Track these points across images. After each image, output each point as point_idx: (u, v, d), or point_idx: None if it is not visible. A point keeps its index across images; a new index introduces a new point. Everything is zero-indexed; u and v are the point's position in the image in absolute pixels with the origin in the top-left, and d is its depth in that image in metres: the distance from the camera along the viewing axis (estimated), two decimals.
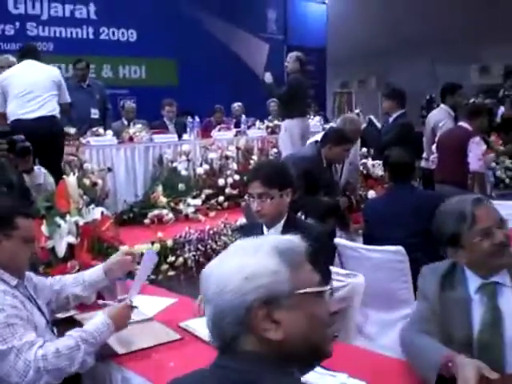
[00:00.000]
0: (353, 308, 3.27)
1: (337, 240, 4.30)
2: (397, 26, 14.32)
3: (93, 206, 3.58)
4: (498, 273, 2.30)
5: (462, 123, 6.04)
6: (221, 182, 6.68)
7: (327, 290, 1.35)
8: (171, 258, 4.82)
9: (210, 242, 5.22)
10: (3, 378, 2.17)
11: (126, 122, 8.63)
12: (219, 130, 8.13)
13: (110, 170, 6.25)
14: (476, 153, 5.75)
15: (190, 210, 6.03)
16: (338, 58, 14.19)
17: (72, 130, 6.40)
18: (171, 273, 4.79)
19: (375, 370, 2.28)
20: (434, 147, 6.51)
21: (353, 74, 17.59)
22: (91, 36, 10.44)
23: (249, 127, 8.51)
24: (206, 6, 11.62)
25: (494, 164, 7.04)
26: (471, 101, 9.41)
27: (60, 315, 2.83)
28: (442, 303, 2.33)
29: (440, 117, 6.88)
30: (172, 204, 6.01)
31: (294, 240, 1.37)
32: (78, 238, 3.30)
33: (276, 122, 8.70)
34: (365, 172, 6.75)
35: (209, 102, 10.19)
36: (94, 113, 8.10)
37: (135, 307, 2.57)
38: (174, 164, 6.66)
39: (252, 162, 7.00)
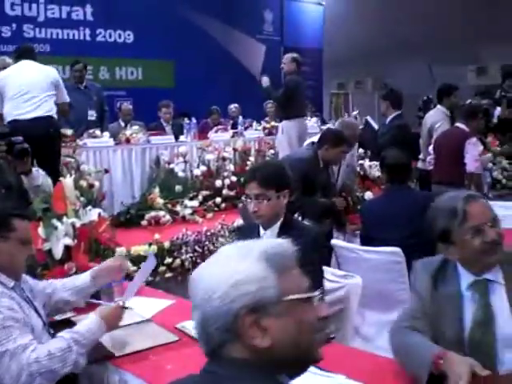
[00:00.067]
0: (350, 309, 3.27)
1: (334, 241, 4.31)
2: (393, 27, 14.33)
3: (90, 207, 3.57)
4: (490, 270, 2.29)
5: (458, 124, 6.05)
6: (218, 183, 6.67)
7: (316, 296, 1.34)
8: (168, 260, 4.81)
9: (207, 243, 5.21)
10: None
11: (122, 124, 8.62)
12: (216, 132, 8.13)
13: (106, 171, 6.24)
14: (473, 154, 5.76)
15: (187, 211, 6.01)
16: (334, 59, 14.20)
17: (69, 132, 6.40)
18: (168, 274, 4.78)
19: (373, 371, 2.28)
20: (430, 148, 6.53)
21: (350, 75, 17.60)
22: (88, 38, 10.42)
23: (246, 128, 8.51)
24: (203, 8, 11.61)
25: (490, 165, 7.05)
26: (468, 101, 9.41)
27: (57, 317, 2.83)
28: (433, 301, 2.33)
29: (436, 118, 6.90)
30: (169, 205, 6.00)
31: (284, 244, 1.35)
32: (74, 240, 3.31)
33: (273, 123, 8.70)
34: (362, 173, 6.75)
35: (205, 103, 10.18)
36: (91, 114, 8.09)
37: (127, 308, 2.57)
38: (171, 165, 6.65)
39: (249, 163, 6.99)
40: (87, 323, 2.39)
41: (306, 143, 5.97)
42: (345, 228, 5.30)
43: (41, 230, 3.28)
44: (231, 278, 1.24)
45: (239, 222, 5.28)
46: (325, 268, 3.20)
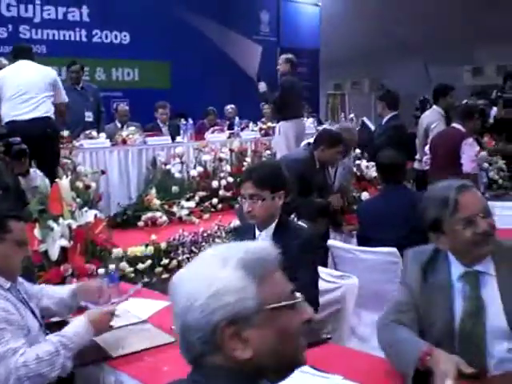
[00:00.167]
0: (346, 310, 3.27)
1: (330, 241, 4.31)
2: (390, 27, 14.34)
3: (86, 208, 3.57)
4: (481, 261, 2.27)
5: (455, 124, 6.05)
6: (214, 184, 6.67)
7: (298, 301, 1.31)
8: (165, 261, 4.81)
9: (203, 244, 5.21)
10: None
11: (119, 125, 8.61)
12: (212, 132, 8.13)
13: (103, 172, 6.24)
14: (469, 154, 5.76)
15: (184, 212, 6.02)
16: (331, 59, 14.20)
17: (65, 133, 6.39)
18: (165, 275, 4.77)
19: (369, 372, 2.28)
20: (426, 148, 6.53)
21: (346, 76, 17.61)
22: (84, 39, 10.41)
23: (242, 129, 8.50)
24: (199, 9, 11.60)
25: (486, 165, 7.06)
26: (464, 102, 9.43)
27: (53, 319, 2.83)
28: (422, 292, 2.32)
29: (432, 118, 6.91)
30: (165, 206, 6.00)
31: (264, 248, 1.31)
32: (71, 241, 3.30)
33: (269, 123, 8.69)
34: (358, 173, 6.76)
35: (202, 104, 10.18)
36: (88, 116, 8.09)
37: (117, 316, 2.57)
38: (168, 166, 6.64)
39: (245, 164, 6.99)
40: (75, 326, 2.40)
41: (302, 144, 5.98)
42: (341, 228, 5.30)
43: (37, 232, 3.29)
44: (211, 288, 1.21)
45: (236, 222, 5.28)
46: (321, 268, 3.21)
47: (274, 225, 2.98)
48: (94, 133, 6.96)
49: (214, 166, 6.97)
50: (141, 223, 5.77)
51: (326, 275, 3.30)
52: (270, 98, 7.94)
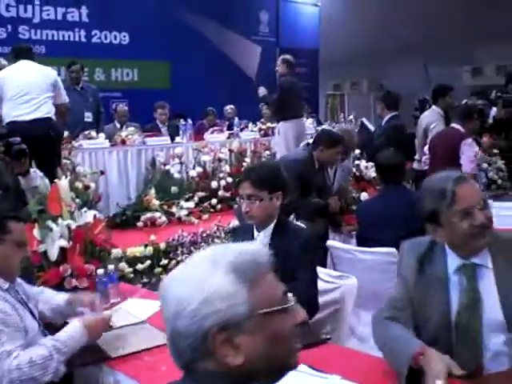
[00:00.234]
0: (345, 310, 3.27)
1: (329, 242, 4.31)
2: (389, 27, 14.33)
3: (85, 209, 3.56)
4: (478, 254, 2.26)
5: (454, 125, 6.06)
6: (214, 184, 6.67)
7: (291, 304, 1.28)
8: (164, 261, 4.81)
9: (203, 244, 5.21)
10: None
11: (118, 125, 8.61)
12: (212, 133, 8.13)
13: (102, 173, 6.24)
14: (468, 155, 5.77)
15: (183, 212, 6.02)
16: (330, 60, 14.20)
17: (65, 133, 6.39)
18: (164, 276, 4.77)
19: (368, 372, 2.28)
20: (426, 149, 6.54)
21: (345, 76, 17.60)
22: (83, 39, 10.41)
23: (241, 129, 8.51)
24: (199, 9, 11.60)
25: (485, 165, 7.06)
26: (464, 102, 9.43)
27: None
28: (418, 285, 2.32)
29: (432, 118, 6.92)
30: (165, 207, 6.00)
31: (255, 250, 1.30)
32: (70, 242, 3.29)
33: (269, 124, 8.70)
34: (358, 174, 6.75)
35: (201, 104, 10.17)
36: (88, 116, 8.09)
37: (112, 326, 2.57)
38: (167, 167, 6.65)
39: (245, 164, 6.99)
40: (70, 331, 2.40)
41: (302, 144, 5.98)
42: (340, 229, 5.30)
43: (36, 232, 3.28)
44: (201, 294, 1.19)
45: (235, 223, 5.28)
46: (320, 269, 3.21)
47: (272, 225, 2.99)
48: (93, 133, 6.96)
49: (214, 167, 6.97)
50: (140, 223, 5.77)
51: (325, 275, 3.30)
52: (269, 100, 7.96)
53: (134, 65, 11.08)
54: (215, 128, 8.65)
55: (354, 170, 6.63)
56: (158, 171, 6.61)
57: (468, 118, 6.00)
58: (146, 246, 4.79)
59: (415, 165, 7.05)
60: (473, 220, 2.18)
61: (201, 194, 6.49)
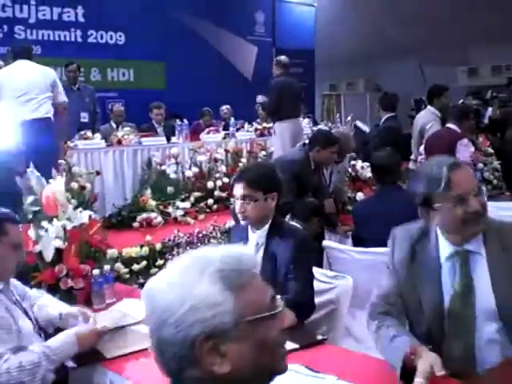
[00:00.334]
0: (341, 310, 3.27)
1: (325, 242, 4.31)
2: (385, 28, 14.37)
3: (80, 209, 3.55)
4: (471, 240, 2.25)
5: (450, 125, 6.07)
6: (210, 184, 6.66)
7: (278, 311, 1.26)
8: (160, 262, 4.80)
9: (199, 244, 5.21)
10: None
11: (114, 125, 8.61)
12: (208, 133, 8.12)
13: (98, 173, 6.22)
14: (464, 155, 5.77)
15: (179, 213, 6.01)
16: (326, 60, 14.20)
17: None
18: None
19: (364, 372, 2.28)
20: (421, 149, 6.55)
21: (341, 77, 17.63)
22: (79, 39, 10.38)
23: (237, 130, 8.50)
24: (195, 9, 11.60)
25: (481, 165, 7.07)
26: (460, 102, 9.45)
27: None
28: (410, 272, 2.32)
29: (427, 119, 6.93)
30: (161, 207, 5.99)
31: (242, 254, 1.27)
32: (65, 242, 3.28)
33: (265, 124, 8.70)
34: (353, 174, 6.76)
35: (197, 104, 10.17)
36: (84, 116, 8.10)
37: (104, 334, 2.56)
38: (163, 167, 6.64)
39: (241, 164, 6.99)
40: (61, 339, 2.40)
41: (298, 145, 5.98)
42: (336, 229, 5.30)
43: (31, 232, 3.27)
44: (186, 303, 1.17)
45: (231, 223, 5.27)
46: (316, 269, 3.21)
47: (267, 226, 2.98)
48: (89, 133, 6.95)
49: (210, 167, 6.96)
50: (136, 224, 5.75)
51: (321, 275, 3.30)
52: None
53: (129, 65, 11.06)
54: (211, 128, 8.64)
55: (350, 170, 6.65)
56: (153, 171, 6.60)
57: (464, 118, 6.01)
58: (141, 246, 4.79)
59: (411, 165, 7.06)
60: (467, 207, 2.17)
61: (197, 194, 6.48)
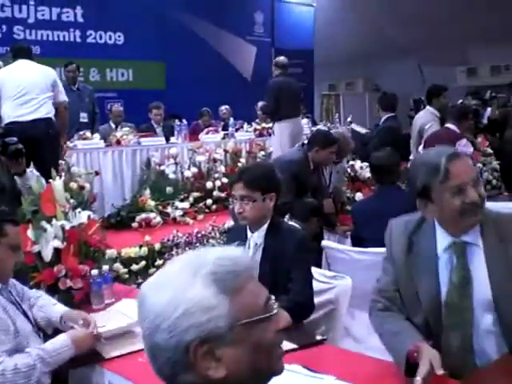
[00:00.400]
0: (339, 310, 3.26)
1: (324, 242, 4.31)
2: (384, 28, 14.37)
3: (79, 209, 3.55)
4: (468, 232, 2.24)
5: (449, 125, 6.06)
6: (209, 184, 6.66)
7: (273, 314, 1.24)
8: (159, 262, 4.79)
9: (198, 245, 5.21)
10: None
11: (113, 125, 8.62)
12: (207, 133, 8.13)
13: (97, 173, 6.22)
14: None
15: (178, 213, 6.00)
16: (325, 60, 14.22)
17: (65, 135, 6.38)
18: None
19: (363, 372, 2.27)
20: (420, 149, 6.54)
21: (340, 77, 17.63)
22: (78, 39, 10.40)
23: (237, 130, 8.51)
24: (194, 9, 11.61)
25: (480, 165, 7.06)
26: (459, 102, 9.45)
27: None
28: (408, 264, 2.32)
29: (426, 119, 6.92)
30: (160, 207, 5.98)
31: (236, 257, 1.24)
32: (64, 243, 3.28)
33: (264, 124, 8.70)
34: (352, 174, 6.76)
35: (196, 104, 10.18)
36: (83, 117, 8.10)
37: (100, 339, 2.56)
38: (162, 167, 6.64)
39: (240, 164, 6.99)
40: (57, 342, 2.39)
41: (297, 145, 5.98)
42: (335, 229, 5.30)
43: (30, 233, 3.26)
44: (179, 307, 1.15)
45: (230, 223, 5.27)
46: (315, 269, 3.21)
47: (266, 226, 2.98)
48: (88, 133, 6.96)
49: (209, 167, 6.96)
50: (135, 224, 5.75)
51: (320, 276, 3.30)
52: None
53: (128, 65, 11.08)
54: (210, 128, 8.66)
55: (349, 170, 6.64)
56: (152, 171, 6.61)
57: (463, 119, 6.01)
58: (140, 246, 4.78)
59: (410, 164, 7.05)
60: (465, 197, 2.16)
61: (196, 194, 6.48)
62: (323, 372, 2.20)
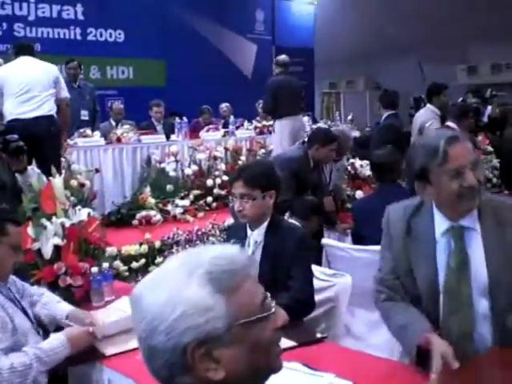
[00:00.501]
0: (339, 308, 3.27)
1: (324, 240, 4.31)
2: (385, 26, 14.36)
3: (79, 207, 3.55)
4: (466, 216, 2.24)
5: (449, 123, 6.06)
6: (209, 182, 6.66)
7: (270, 313, 1.22)
8: (159, 260, 4.80)
9: (198, 242, 5.21)
10: None
11: (113, 123, 8.61)
12: (207, 131, 8.13)
13: (97, 171, 6.22)
14: None
15: (178, 210, 6.00)
16: (326, 58, 14.21)
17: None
18: None
19: (362, 370, 2.27)
20: None
21: (341, 75, 17.63)
22: (79, 37, 10.40)
23: (237, 128, 8.51)
24: (194, 7, 11.60)
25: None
26: (460, 100, 9.45)
27: None
28: (406, 249, 2.32)
29: (426, 117, 6.92)
30: (160, 205, 5.98)
31: (232, 255, 1.21)
32: (64, 240, 3.28)
33: (264, 122, 8.70)
34: (352, 172, 6.75)
35: (197, 102, 10.18)
36: (84, 114, 8.09)
37: (97, 338, 2.56)
38: (162, 165, 6.64)
39: (240, 162, 6.99)
40: (53, 342, 2.39)
41: (297, 143, 5.98)
42: (335, 227, 5.29)
43: (30, 230, 3.27)
44: (177, 308, 1.13)
45: (230, 221, 5.27)
46: (315, 267, 3.21)
47: (265, 224, 2.98)
48: (89, 131, 6.96)
49: (209, 165, 6.96)
50: (135, 222, 5.75)
51: (320, 273, 3.30)
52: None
53: (129, 63, 11.07)
54: (211, 126, 8.66)
55: (349, 168, 6.64)
56: (153, 169, 6.61)
57: (463, 117, 6.01)
58: (140, 244, 4.79)
59: None
60: (463, 181, 2.15)
61: (196, 192, 6.48)
62: (323, 370, 2.20)
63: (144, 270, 4.55)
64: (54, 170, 3.65)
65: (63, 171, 5.22)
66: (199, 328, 1.12)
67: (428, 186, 2.23)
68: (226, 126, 8.81)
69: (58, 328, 2.61)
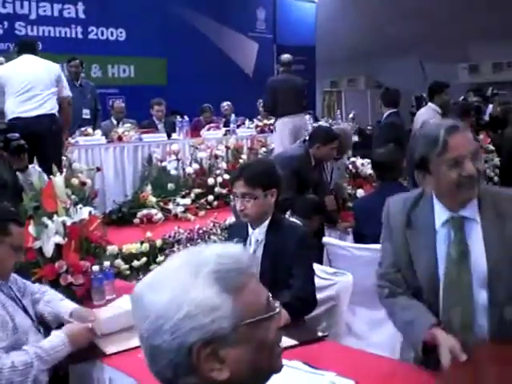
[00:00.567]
0: (340, 306, 3.27)
1: (325, 239, 4.31)
2: (386, 24, 14.35)
3: (80, 205, 3.55)
4: (465, 206, 2.23)
5: None
6: (210, 181, 6.66)
7: (275, 314, 1.21)
8: (160, 258, 4.80)
9: (199, 241, 5.21)
10: None
11: (115, 122, 8.60)
12: (208, 130, 8.13)
13: (98, 169, 6.22)
14: None
15: (180, 209, 6.00)
16: (327, 56, 14.20)
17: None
18: None
19: (364, 369, 2.27)
20: None
21: (342, 73, 17.62)
22: (80, 35, 10.41)
23: (238, 126, 8.51)
24: (196, 5, 11.61)
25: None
26: (461, 98, 9.45)
27: None
28: (406, 239, 2.33)
29: (428, 115, 6.89)
30: (161, 203, 5.98)
31: (237, 255, 1.20)
32: (65, 238, 3.28)
33: (265, 121, 8.70)
34: (354, 171, 6.76)
35: (198, 101, 10.17)
36: (86, 113, 8.10)
37: (97, 336, 2.56)
38: (164, 163, 6.64)
39: (241, 161, 6.98)
40: (54, 340, 2.39)
41: (298, 141, 5.98)
42: (337, 226, 5.30)
43: (31, 228, 3.27)
44: (182, 308, 1.11)
45: (231, 219, 5.27)
46: (316, 266, 3.21)
47: (267, 222, 2.97)
48: (90, 130, 6.96)
49: (210, 163, 6.96)
50: (136, 220, 5.75)
51: (321, 272, 3.30)
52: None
53: (130, 61, 11.07)
54: (212, 125, 8.65)
55: (350, 166, 6.64)
56: (154, 168, 6.61)
57: (465, 115, 6.02)
58: (142, 242, 4.79)
59: None
60: (462, 170, 2.14)
61: (197, 190, 6.48)
62: (324, 368, 2.20)
63: (145, 269, 4.55)
64: (55, 168, 3.65)
65: (64, 170, 5.24)
66: (205, 328, 1.11)
67: (428, 176, 2.23)
68: (227, 124, 8.80)
69: (61, 325, 2.61)
